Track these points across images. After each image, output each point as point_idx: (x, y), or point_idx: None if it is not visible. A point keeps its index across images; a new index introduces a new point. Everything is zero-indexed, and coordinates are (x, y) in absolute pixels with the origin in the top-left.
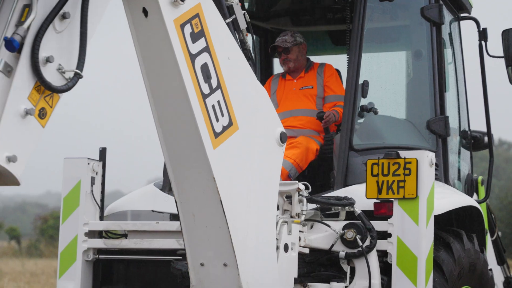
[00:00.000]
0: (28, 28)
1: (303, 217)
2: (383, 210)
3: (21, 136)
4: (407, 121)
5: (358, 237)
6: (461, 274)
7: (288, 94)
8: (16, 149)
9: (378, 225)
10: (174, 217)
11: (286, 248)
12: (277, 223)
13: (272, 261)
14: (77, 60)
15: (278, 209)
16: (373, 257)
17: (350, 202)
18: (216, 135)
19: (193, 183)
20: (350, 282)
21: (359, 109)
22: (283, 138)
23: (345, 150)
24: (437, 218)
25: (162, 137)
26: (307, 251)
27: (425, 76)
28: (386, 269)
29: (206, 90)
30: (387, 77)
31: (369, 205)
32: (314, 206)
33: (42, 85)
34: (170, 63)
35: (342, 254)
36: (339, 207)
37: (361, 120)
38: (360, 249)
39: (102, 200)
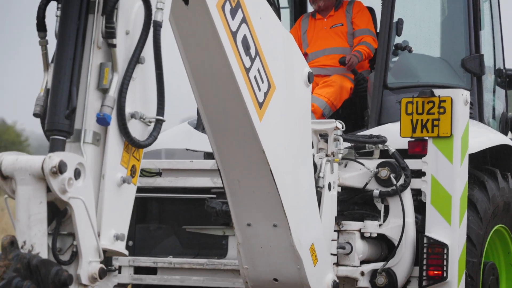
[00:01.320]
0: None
1: (339, 156)
2: (417, 149)
3: (122, 206)
4: (442, 60)
5: (392, 175)
6: (495, 213)
7: (319, 33)
8: (121, 223)
9: (412, 164)
10: (208, 155)
11: (329, 186)
12: (321, 162)
13: (316, 210)
14: (155, 104)
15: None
16: (407, 196)
17: (383, 140)
18: (260, 105)
19: (240, 156)
20: (384, 221)
21: (394, 48)
22: (310, 78)
23: (379, 88)
24: (472, 156)
25: (205, 116)
26: (339, 189)
27: (460, 14)
28: (420, 208)
29: (248, 63)
30: (421, 15)
31: (403, 143)
32: (348, 144)
33: (131, 144)
34: (215, 47)
35: (376, 192)
36: (373, 146)
37: (395, 59)
38: (394, 187)
39: None
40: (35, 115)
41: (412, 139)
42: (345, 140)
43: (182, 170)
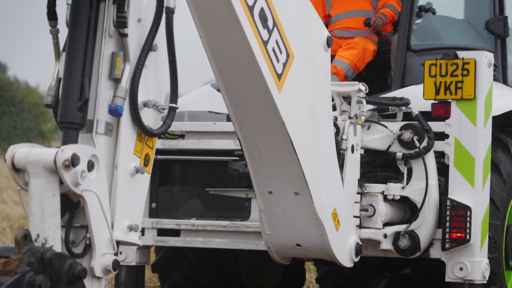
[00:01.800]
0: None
1: (362, 118)
2: (440, 111)
3: (135, 196)
4: (466, 21)
5: (415, 138)
6: None
7: None
8: (134, 213)
9: (436, 126)
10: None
11: (352, 149)
12: (344, 124)
13: (337, 175)
14: (168, 91)
15: (334, 109)
16: (430, 158)
17: (406, 102)
18: (279, 77)
19: (260, 128)
20: (407, 183)
21: (417, 9)
22: (329, 42)
23: (402, 50)
24: (495, 119)
25: (224, 91)
26: (362, 152)
27: None
28: (443, 170)
29: (265, 36)
30: None
31: (426, 106)
32: (371, 107)
33: (144, 133)
34: (231, 24)
35: (399, 155)
36: (396, 108)
37: (419, 21)
38: (417, 150)
39: None
40: (47, 105)
41: (436, 101)
42: (368, 102)
43: (205, 133)
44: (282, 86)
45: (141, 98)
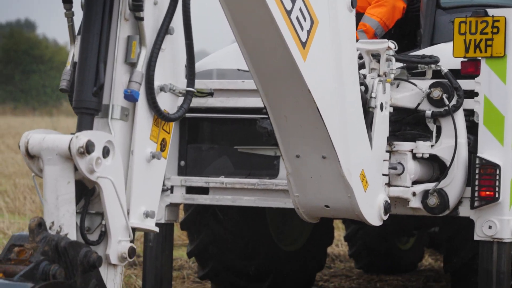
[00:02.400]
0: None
1: (392, 76)
2: (470, 69)
3: (152, 182)
4: None
5: (444, 95)
6: None
7: None
8: (150, 199)
9: (465, 84)
10: None
11: (381, 107)
12: (373, 82)
13: (365, 135)
14: (184, 74)
15: (360, 68)
16: (459, 116)
17: (435, 60)
18: (304, 45)
19: (285, 96)
20: (436, 141)
21: None
22: (353, 3)
23: (432, 8)
24: None
25: (250, 62)
26: (391, 110)
27: None
28: (472, 128)
29: (289, 5)
30: None
31: (456, 64)
32: (400, 65)
33: (160, 118)
34: None
35: (428, 113)
36: (426, 66)
37: None
38: (446, 108)
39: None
40: (62, 90)
41: (465, 59)
42: (397, 60)
43: (234, 90)
44: (307, 54)
45: (157, 82)
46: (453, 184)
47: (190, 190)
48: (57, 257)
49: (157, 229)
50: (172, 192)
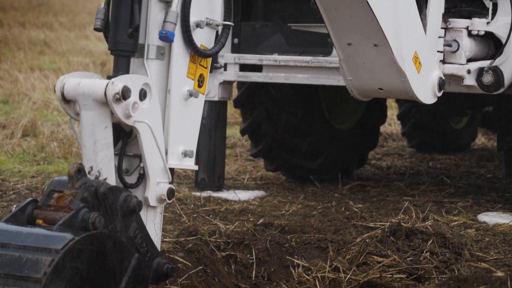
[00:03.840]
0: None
1: None
2: None
3: (190, 121)
4: None
5: None
6: None
7: None
8: (189, 139)
9: None
10: None
11: None
12: None
13: (416, 16)
14: (220, 7)
15: None
16: None
17: None
18: None
19: None
20: (492, 18)
21: None
22: None
23: None
24: None
25: None
26: None
27: None
28: None
29: None
30: None
31: None
32: None
33: (197, 55)
34: None
35: None
36: None
37: None
38: None
39: None
40: (96, 29)
41: None
42: None
43: None
44: None
45: (193, 18)
46: (509, 61)
47: (244, 67)
48: (97, 203)
49: (196, 167)
50: (225, 69)
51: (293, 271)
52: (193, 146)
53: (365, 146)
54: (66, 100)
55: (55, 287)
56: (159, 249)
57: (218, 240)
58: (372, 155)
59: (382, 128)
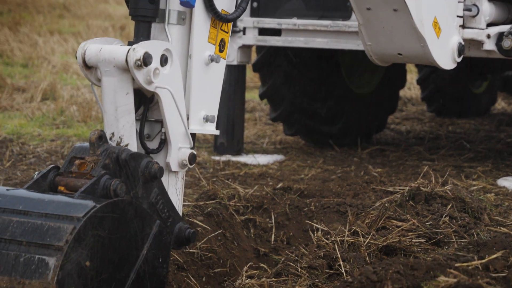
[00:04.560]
0: None
1: None
2: None
3: (211, 86)
4: None
5: None
6: None
7: None
8: (210, 104)
9: None
10: None
11: None
12: None
13: None
14: None
15: None
16: None
17: None
18: None
19: None
20: None
21: None
22: None
23: None
24: None
25: None
26: None
27: None
28: None
29: None
30: None
31: None
32: None
33: (218, 20)
34: None
35: None
36: None
37: None
38: None
39: None
40: None
41: None
42: None
43: None
44: None
45: None
46: None
47: (263, 31)
48: (118, 169)
49: (217, 132)
50: (244, 33)
51: (312, 235)
52: (214, 111)
53: (384, 111)
54: (88, 66)
55: (77, 255)
56: (180, 214)
57: (237, 204)
58: (392, 119)
59: (402, 93)
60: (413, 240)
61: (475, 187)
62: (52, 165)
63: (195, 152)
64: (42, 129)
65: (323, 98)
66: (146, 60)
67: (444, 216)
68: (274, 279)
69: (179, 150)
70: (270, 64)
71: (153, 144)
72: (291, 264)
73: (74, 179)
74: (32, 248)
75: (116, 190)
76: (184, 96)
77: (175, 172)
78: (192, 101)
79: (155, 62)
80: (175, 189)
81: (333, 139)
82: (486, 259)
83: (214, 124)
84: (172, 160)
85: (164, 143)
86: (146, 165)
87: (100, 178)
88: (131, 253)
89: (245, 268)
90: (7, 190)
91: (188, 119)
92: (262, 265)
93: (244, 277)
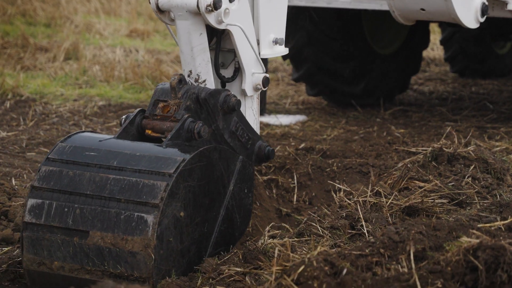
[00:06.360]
0: None
1: None
2: None
3: (277, 11)
4: None
5: None
6: None
7: None
8: (278, 27)
9: None
10: None
11: None
12: None
13: None
14: None
15: None
16: None
17: None
18: None
19: None
20: None
21: None
22: None
23: None
24: None
25: None
26: None
27: None
28: None
29: None
30: None
31: None
32: None
33: None
34: None
35: None
36: None
37: None
38: None
39: None
40: None
41: None
42: None
43: None
44: None
45: None
46: None
47: None
48: (199, 108)
49: (287, 50)
50: None
51: (334, 195)
52: (282, 33)
53: (407, 71)
54: (161, 11)
55: (172, 208)
56: (258, 133)
57: None
58: (415, 80)
59: (425, 53)
60: (436, 200)
61: (498, 148)
62: (138, 109)
63: (268, 75)
64: (64, 89)
65: (346, 58)
66: (216, 4)
67: (466, 177)
68: (296, 239)
69: (252, 76)
70: (293, 24)
71: (227, 72)
72: (313, 224)
73: (159, 122)
74: (130, 205)
75: (200, 133)
76: (253, 23)
77: (250, 96)
78: (261, 26)
79: (225, 3)
80: (251, 110)
81: (355, 100)
82: (508, 220)
83: (283, 46)
84: (247, 86)
85: (238, 71)
86: (224, 100)
87: (184, 122)
88: (219, 192)
89: (267, 228)
90: (100, 141)
91: (258, 44)
92: (284, 225)
93: (266, 237)
